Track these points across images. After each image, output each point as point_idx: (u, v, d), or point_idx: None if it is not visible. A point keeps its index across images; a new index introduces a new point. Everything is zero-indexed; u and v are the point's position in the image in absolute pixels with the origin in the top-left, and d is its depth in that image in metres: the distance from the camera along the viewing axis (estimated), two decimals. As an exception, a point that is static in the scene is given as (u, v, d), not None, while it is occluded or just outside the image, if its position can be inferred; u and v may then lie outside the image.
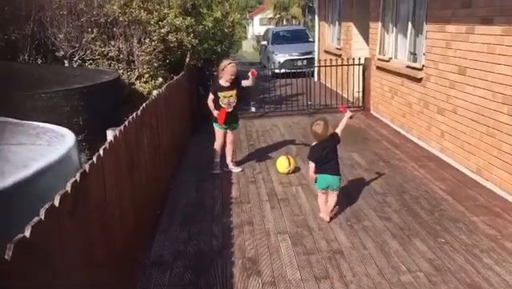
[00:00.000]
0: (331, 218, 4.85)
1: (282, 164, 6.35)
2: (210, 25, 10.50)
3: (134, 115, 4.19)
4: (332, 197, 4.83)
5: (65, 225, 2.33)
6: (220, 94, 6.20)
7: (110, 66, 8.59)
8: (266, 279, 3.80)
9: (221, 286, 3.76)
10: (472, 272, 3.73)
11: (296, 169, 6.41)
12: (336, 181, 4.76)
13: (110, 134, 3.81)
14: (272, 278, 3.81)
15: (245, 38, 42.71)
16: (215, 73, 10.43)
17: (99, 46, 8.52)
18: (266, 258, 4.15)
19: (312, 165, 4.83)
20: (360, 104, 10.34)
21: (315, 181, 4.84)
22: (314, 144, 4.88)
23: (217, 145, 6.48)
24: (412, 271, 3.80)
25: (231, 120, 6.39)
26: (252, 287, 3.71)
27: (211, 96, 6.28)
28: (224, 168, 6.58)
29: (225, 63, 6.27)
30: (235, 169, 6.58)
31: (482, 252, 4.04)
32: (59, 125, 4.63)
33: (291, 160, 6.40)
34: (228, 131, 6.45)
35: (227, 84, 6.20)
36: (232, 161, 6.67)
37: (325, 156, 4.74)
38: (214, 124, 6.42)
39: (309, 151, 4.92)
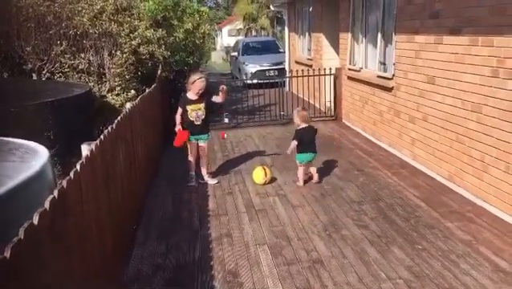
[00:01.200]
0: (310, 229, 4.87)
1: (259, 174, 6.35)
2: (181, 36, 10.46)
3: (109, 128, 4.12)
4: (311, 166, 6.35)
5: (44, 242, 2.26)
6: (188, 107, 6.21)
7: (80, 79, 8.44)
8: (247, 292, 3.77)
9: (202, 301, 3.71)
10: (450, 277, 3.80)
11: (272, 180, 6.42)
12: (315, 156, 6.33)
13: (85, 148, 3.73)
14: (253, 291, 3.78)
15: (215, 49, 42.79)
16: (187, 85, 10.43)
17: (69, 58, 8.37)
18: (247, 270, 4.12)
19: (295, 144, 6.14)
20: (332, 114, 10.47)
21: (298, 158, 6.20)
22: (302, 126, 6.20)
23: (191, 157, 6.44)
24: (391, 279, 3.84)
25: (200, 132, 6.37)
26: (234, 300, 3.67)
27: (179, 110, 6.28)
28: (200, 180, 6.54)
29: (194, 77, 6.25)
30: (211, 181, 6.55)
31: (459, 257, 4.12)
32: (30, 140, 4.51)
33: (267, 170, 6.41)
34: (199, 143, 6.41)
35: (195, 98, 6.22)
36: (207, 173, 6.62)
37: (311, 137, 6.20)
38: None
39: (298, 133, 6.16)
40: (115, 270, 4.04)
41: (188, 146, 6.41)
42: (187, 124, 6.28)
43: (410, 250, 4.31)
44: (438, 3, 5.94)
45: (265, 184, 6.31)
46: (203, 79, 6.27)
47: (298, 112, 6.31)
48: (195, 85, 6.16)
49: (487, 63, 5.01)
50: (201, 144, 6.43)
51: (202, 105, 6.25)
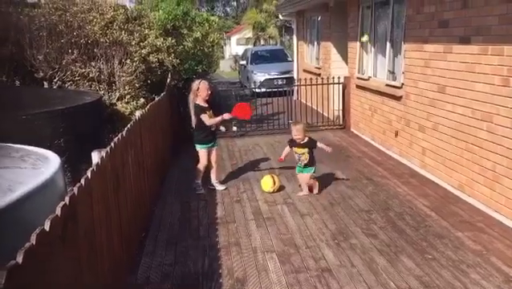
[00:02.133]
0: (318, 238, 4.85)
1: (267, 183, 6.35)
2: (190, 45, 10.54)
3: (119, 135, 4.15)
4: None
5: (56, 249, 2.28)
6: (205, 115, 6.21)
7: (90, 87, 8.53)
8: (255, 300, 3.76)
9: (210, 309, 3.70)
10: (460, 288, 3.76)
11: (281, 188, 6.41)
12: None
13: (95, 156, 3.76)
14: (262, 299, 3.77)
15: (223, 57, 42.98)
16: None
17: (80, 67, 8.46)
18: (255, 277, 4.11)
19: (288, 150, 6.25)
20: (341, 122, 10.46)
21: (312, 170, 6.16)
22: (309, 138, 6.13)
23: (202, 166, 6.43)
24: (400, 288, 3.81)
25: (214, 138, 6.51)
26: (242, 309, 3.66)
27: (206, 117, 6.18)
28: (209, 186, 6.58)
29: (196, 83, 6.28)
30: (220, 187, 6.59)
31: (469, 267, 4.08)
32: (41, 147, 4.56)
33: (276, 178, 6.41)
34: (213, 150, 6.48)
35: (206, 105, 6.26)
36: (216, 179, 6.65)
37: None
38: (198, 146, 6.39)
39: (310, 140, 6.10)
40: (124, 278, 4.05)
41: (203, 156, 6.39)
42: (204, 130, 6.28)
43: (419, 259, 4.28)
44: (447, 12, 5.94)
45: (273, 192, 6.31)
46: (203, 80, 6.41)
47: (302, 126, 6.13)
48: (201, 89, 6.16)
49: (497, 72, 4.99)
50: (215, 149, 6.54)
51: (211, 112, 6.31)
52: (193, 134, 6.47)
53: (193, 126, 6.35)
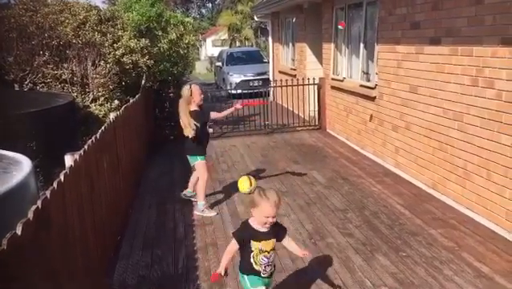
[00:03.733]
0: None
1: (244, 184, 6.31)
2: (165, 47, 10.46)
3: (93, 138, 4.10)
4: None
5: (27, 253, 2.24)
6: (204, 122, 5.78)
7: (63, 89, 8.37)
8: (233, 301, 3.76)
9: (187, 311, 3.68)
10: (434, 284, 3.84)
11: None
12: None
13: (68, 159, 3.70)
14: (239, 300, 3.77)
15: (199, 59, 42.81)
16: (171, 95, 10.42)
17: (52, 69, 8.29)
18: (233, 279, 4.10)
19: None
20: (316, 123, 10.54)
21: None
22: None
23: (204, 181, 5.75)
24: (376, 286, 3.87)
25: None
26: (220, 310, 3.66)
27: (213, 113, 5.97)
28: (182, 195, 6.22)
29: (186, 87, 5.69)
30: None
31: (442, 264, 4.17)
32: (12, 150, 4.46)
33: (252, 180, 6.38)
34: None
35: (200, 110, 5.68)
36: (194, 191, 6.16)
37: None
38: (198, 158, 5.74)
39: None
40: (99, 282, 4.00)
41: (202, 168, 5.77)
42: (203, 139, 5.77)
43: (394, 257, 4.35)
44: (418, 14, 6.06)
45: (250, 193, 6.30)
46: (193, 84, 5.94)
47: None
48: (194, 94, 5.54)
49: (467, 73, 5.11)
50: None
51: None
52: (187, 146, 5.74)
53: (190, 136, 5.55)
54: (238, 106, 6.08)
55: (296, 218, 5.41)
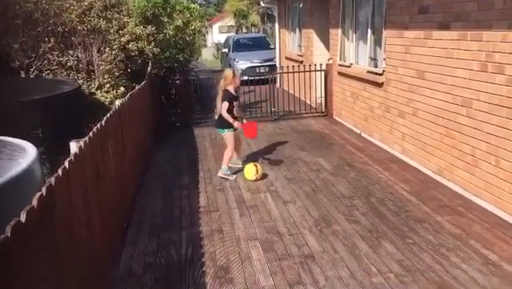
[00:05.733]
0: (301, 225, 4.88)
1: (250, 171, 6.34)
2: (171, 33, 10.40)
3: (99, 125, 4.08)
4: None
5: (32, 240, 2.23)
6: (234, 103, 6.47)
7: (69, 76, 8.37)
8: (239, 287, 3.77)
9: (193, 297, 3.70)
10: (440, 271, 3.82)
11: (263, 176, 6.41)
12: None
13: (74, 146, 3.69)
14: (245, 286, 3.78)
15: (205, 46, 42.61)
16: (177, 81, 10.40)
17: (57, 55, 8.28)
18: (238, 265, 4.12)
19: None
20: (323, 110, 10.47)
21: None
22: None
23: (230, 150, 6.57)
24: (382, 273, 3.85)
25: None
26: (225, 297, 3.67)
27: (226, 105, 6.30)
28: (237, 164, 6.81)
29: (230, 71, 6.62)
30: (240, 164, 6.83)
31: (449, 251, 4.14)
32: (18, 138, 4.46)
33: (258, 167, 6.40)
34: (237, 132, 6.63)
35: (235, 93, 6.53)
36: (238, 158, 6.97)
37: None
38: (226, 130, 6.45)
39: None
40: (105, 269, 4.02)
41: (229, 138, 6.51)
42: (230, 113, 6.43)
43: (401, 244, 4.33)
44: (427, -2, 5.96)
45: (256, 180, 6.30)
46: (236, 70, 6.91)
47: None
48: (236, 79, 6.44)
49: (476, 58, 5.03)
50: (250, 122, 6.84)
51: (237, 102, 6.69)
52: (217, 120, 6.55)
53: (218, 111, 6.42)
54: (236, 125, 6.42)
55: (302, 205, 5.40)
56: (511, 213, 4.61)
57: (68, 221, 2.92)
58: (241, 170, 6.60)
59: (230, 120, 6.32)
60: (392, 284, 3.67)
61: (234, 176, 6.50)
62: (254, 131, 6.63)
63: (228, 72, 6.56)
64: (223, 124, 6.42)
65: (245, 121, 6.75)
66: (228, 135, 6.48)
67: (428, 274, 3.79)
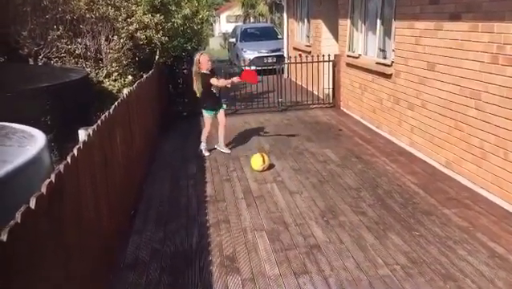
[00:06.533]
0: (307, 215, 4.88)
1: (257, 161, 6.34)
2: (179, 22, 10.37)
3: (107, 113, 4.09)
4: None
5: (41, 227, 2.25)
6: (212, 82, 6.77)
7: (77, 64, 8.39)
8: (245, 276, 3.79)
9: (200, 286, 3.72)
10: (447, 263, 3.82)
11: (270, 166, 6.41)
12: None
13: (82, 133, 3.71)
14: (251, 275, 3.79)
15: (213, 35, 42.48)
16: (185, 71, 10.38)
17: (66, 43, 8.30)
18: (244, 255, 4.13)
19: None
20: (330, 101, 10.43)
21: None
22: None
23: (206, 131, 7.07)
24: (388, 264, 3.85)
25: (219, 103, 7.11)
26: (231, 285, 3.69)
27: (215, 79, 6.79)
28: (215, 146, 7.28)
29: (196, 56, 6.90)
30: (225, 150, 7.15)
31: (456, 243, 4.13)
32: (27, 125, 4.48)
33: (265, 157, 6.39)
34: (219, 113, 7.06)
35: (211, 74, 6.81)
36: (224, 143, 7.26)
37: None
38: (204, 112, 6.97)
39: None
40: (112, 257, 4.05)
41: (205, 120, 7.00)
42: (211, 96, 6.85)
43: (407, 236, 4.32)
44: (438, -11, 5.89)
45: (263, 170, 6.30)
46: (203, 53, 7.12)
47: None
48: (202, 61, 6.70)
49: (487, 50, 4.98)
50: (223, 112, 7.11)
51: (217, 76, 7.11)
52: (200, 101, 7.03)
53: (198, 95, 6.90)
54: (235, 80, 6.91)
55: (309, 196, 5.40)
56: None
57: (77, 207, 2.94)
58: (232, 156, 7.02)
59: (229, 81, 6.88)
60: (399, 276, 3.67)
61: (208, 154, 7.08)
62: (254, 76, 6.94)
63: (195, 58, 6.89)
64: (204, 106, 6.94)
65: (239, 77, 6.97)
66: (206, 118, 6.97)
67: (435, 266, 3.79)
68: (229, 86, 7.00)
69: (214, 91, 6.82)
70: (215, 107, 7.01)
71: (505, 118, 4.73)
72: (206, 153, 7.09)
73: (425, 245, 4.14)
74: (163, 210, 5.25)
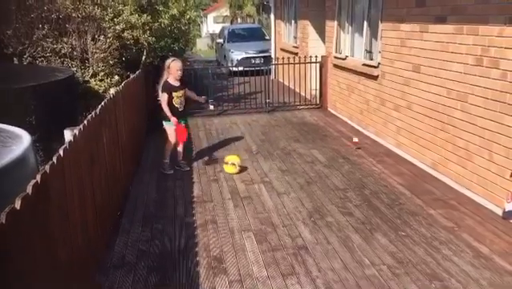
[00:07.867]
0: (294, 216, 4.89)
1: (230, 169, 6.29)
2: (167, 22, 10.32)
3: (93, 113, 4.06)
4: None
5: (26, 227, 2.22)
6: (174, 94, 6.10)
7: (63, 63, 8.30)
8: (232, 278, 3.78)
9: (186, 287, 3.70)
10: (432, 263, 3.85)
11: (256, 166, 6.40)
12: None
13: (68, 134, 3.67)
14: (239, 277, 3.79)
15: (200, 36, 42.44)
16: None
17: (51, 42, 8.21)
18: (232, 256, 4.12)
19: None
20: (318, 102, 10.47)
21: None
22: None
23: (169, 144, 6.36)
24: (375, 265, 3.88)
25: (183, 117, 6.36)
26: (218, 286, 3.67)
27: (165, 97, 6.05)
28: (176, 167, 6.49)
29: (168, 61, 6.18)
30: (185, 168, 6.53)
31: (441, 244, 4.17)
32: (11, 125, 4.43)
33: (235, 162, 6.28)
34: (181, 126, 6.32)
35: (178, 84, 6.13)
36: (182, 160, 6.60)
37: None
38: (165, 123, 6.24)
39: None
40: (99, 257, 4.01)
41: (168, 132, 6.30)
42: (171, 110, 6.11)
43: (394, 236, 4.35)
44: (425, -9, 5.95)
45: (240, 171, 6.26)
46: (176, 59, 6.25)
47: None
48: (172, 68, 6.03)
49: (472, 52, 5.04)
50: (183, 125, 6.36)
51: (183, 91, 6.21)
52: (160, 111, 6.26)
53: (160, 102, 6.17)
54: (173, 120, 6.10)
55: (296, 197, 5.41)
56: (503, 208, 4.65)
57: (63, 208, 2.91)
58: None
59: (168, 113, 6.04)
60: (385, 276, 3.70)
61: (172, 170, 6.38)
62: (184, 134, 6.36)
63: (166, 62, 6.20)
64: (164, 116, 6.14)
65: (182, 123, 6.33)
66: (168, 128, 6.25)
67: (421, 266, 3.82)
68: (168, 113, 6.09)
69: (176, 105, 6.12)
70: (178, 120, 6.20)
71: (490, 120, 4.80)
72: (170, 172, 6.37)
73: (411, 245, 4.17)
74: (149, 211, 5.22)
